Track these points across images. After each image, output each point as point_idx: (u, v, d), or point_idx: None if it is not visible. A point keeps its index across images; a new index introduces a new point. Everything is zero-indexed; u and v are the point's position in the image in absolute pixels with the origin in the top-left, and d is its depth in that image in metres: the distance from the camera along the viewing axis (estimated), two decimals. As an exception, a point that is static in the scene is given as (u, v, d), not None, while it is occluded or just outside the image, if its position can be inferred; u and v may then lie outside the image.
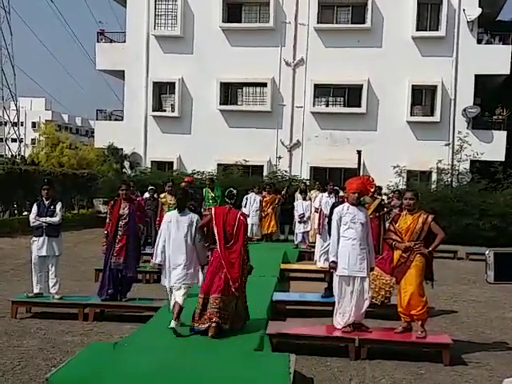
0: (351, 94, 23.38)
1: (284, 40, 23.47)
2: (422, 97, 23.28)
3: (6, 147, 54.57)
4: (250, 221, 14.10)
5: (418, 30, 22.61)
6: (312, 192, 16.61)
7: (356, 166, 20.65)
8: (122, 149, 24.56)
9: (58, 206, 8.73)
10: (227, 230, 6.75)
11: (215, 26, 23.62)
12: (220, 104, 23.80)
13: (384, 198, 15.80)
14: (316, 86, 23.24)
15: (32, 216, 8.72)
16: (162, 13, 24.15)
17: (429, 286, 7.09)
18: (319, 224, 12.19)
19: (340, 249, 7.05)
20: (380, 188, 15.69)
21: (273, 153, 23.59)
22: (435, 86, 22.68)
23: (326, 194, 12.80)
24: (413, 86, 22.66)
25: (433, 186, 21.66)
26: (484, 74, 22.27)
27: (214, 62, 23.33)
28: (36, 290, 8.67)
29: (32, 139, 72.20)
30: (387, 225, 7.98)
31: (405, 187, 20.00)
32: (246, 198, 16.52)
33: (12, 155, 45.82)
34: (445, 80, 22.62)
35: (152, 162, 24.30)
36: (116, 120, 26.46)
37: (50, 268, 8.66)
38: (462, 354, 7.00)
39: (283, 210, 17.11)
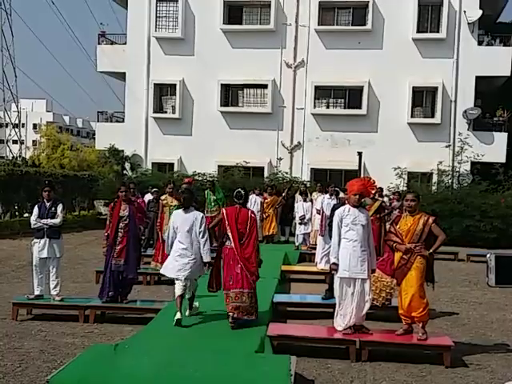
0: (352, 95, 23.37)
1: (285, 42, 23.49)
2: (423, 98, 23.28)
3: (7, 149, 54.61)
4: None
5: (418, 31, 22.64)
6: (314, 194, 16.63)
7: (357, 168, 20.64)
8: (122, 150, 24.59)
9: (59, 207, 8.72)
10: (239, 228, 7.18)
11: (216, 28, 23.66)
12: (221, 105, 23.83)
13: (385, 199, 15.82)
14: (317, 88, 23.27)
15: (33, 218, 8.71)
16: (163, 15, 24.20)
17: (430, 288, 7.07)
18: (321, 225, 12.18)
19: (341, 250, 7.05)
20: (381, 189, 15.71)
21: (273, 154, 23.61)
22: (436, 88, 22.70)
23: (327, 196, 12.86)
24: (413, 87, 22.68)
25: (433, 188, 21.66)
26: (485, 75, 22.29)
27: (215, 63, 23.37)
28: (37, 292, 8.66)
29: (33, 141, 72.36)
30: (388, 226, 7.97)
31: (405, 189, 19.99)
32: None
33: (13, 157, 45.77)
34: (445, 81, 22.63)
35: (153, 163, 24.32)
36: (117, 122, 26.48)
37: (50, 270, 8.65)
38: (463, 355, 7.00)
39: (284, 212, 17.11)
